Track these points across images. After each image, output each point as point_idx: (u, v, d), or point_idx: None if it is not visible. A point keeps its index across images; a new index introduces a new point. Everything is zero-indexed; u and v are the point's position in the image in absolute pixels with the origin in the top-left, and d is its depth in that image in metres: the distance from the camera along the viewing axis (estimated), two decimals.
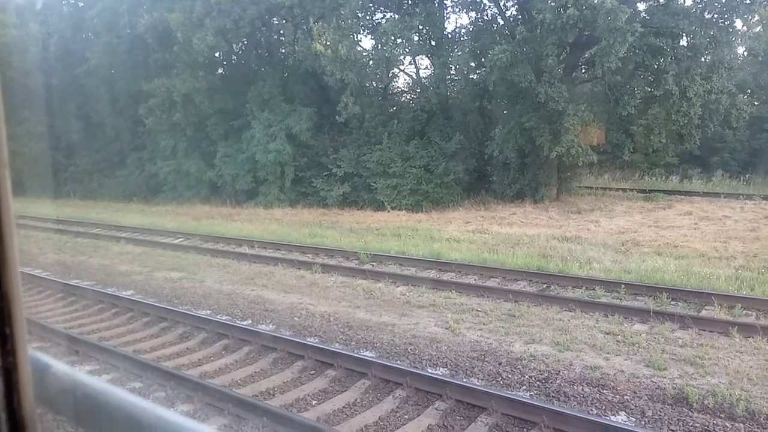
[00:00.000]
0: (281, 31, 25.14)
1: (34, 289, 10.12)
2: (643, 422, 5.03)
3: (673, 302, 8.21)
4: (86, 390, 0.83)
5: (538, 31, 17.77)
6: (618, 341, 6.78)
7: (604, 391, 5.56)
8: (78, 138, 28.31)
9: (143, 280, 10.79)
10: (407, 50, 20.61)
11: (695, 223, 15.13)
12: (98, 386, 0.83)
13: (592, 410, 5.26)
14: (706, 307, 7.96)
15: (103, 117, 27.34)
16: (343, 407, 5.48)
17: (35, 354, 0.83)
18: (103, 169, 28.67)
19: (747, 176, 22.61)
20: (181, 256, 12.88)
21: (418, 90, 24.06)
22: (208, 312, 8.58)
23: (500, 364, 6.28)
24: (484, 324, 7.57)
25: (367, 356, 6.50)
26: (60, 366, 0.87)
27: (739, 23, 19.74)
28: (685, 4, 19.09)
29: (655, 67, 18.55)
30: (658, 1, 19.07)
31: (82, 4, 29.27)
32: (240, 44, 24.55)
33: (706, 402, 5.19)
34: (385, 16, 21.92)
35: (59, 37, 28.25)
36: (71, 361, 6.70)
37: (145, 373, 6.18)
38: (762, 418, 4.92)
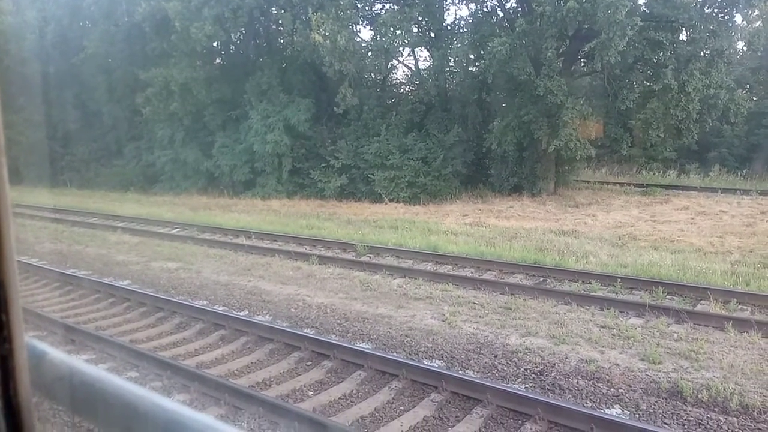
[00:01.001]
0: (280, 21, 24.97)
1: (30, 278, 10.11)
2: (637, 415, 5.06)
3: (668, 296, 8.25)
4: (83, 377, 0.82)
5: (538, 23, 17.72)
6: (613, 335, 6.81)
7: (599, 385, 5.59)
8: (75, 127, 28.21)
9: (140, 270, 10.78)
10: (406, 41, 20.52)
11: (692, 218, 15.17)
12: (95, 374, 0.83)
13: (586, 403, 5.29)
14: (701, 302, 8.00)
15: (100, 106, 27.21)
16: (339, 398, 5.51)
17: (31, 341, 0.83)
18: (100, 159, 28.57)
19: (744, 171, 22.67)
20: (178, 247, 12.87)
21: (417, 82, 24.00)
22: (205, 302, 8.59)
23: (496, 356, 6.31)
24: (480, 317, 7.60)
25: (363, 348, 6.52)
26: (56, 353, 0.87)
27: (738, 18, 19.75)
28: None
29: (654, 61, 18.52)
30: None
31: None
32: (238, 34, 24.41)
33: (700, 396, 5.22)
34: (384, 6, 21.79)
35: (56, 24, 28.03)
36: (67, 350, 6.70)
37: (142, 363, 6.20)
38: (755, 412, 4.95)
